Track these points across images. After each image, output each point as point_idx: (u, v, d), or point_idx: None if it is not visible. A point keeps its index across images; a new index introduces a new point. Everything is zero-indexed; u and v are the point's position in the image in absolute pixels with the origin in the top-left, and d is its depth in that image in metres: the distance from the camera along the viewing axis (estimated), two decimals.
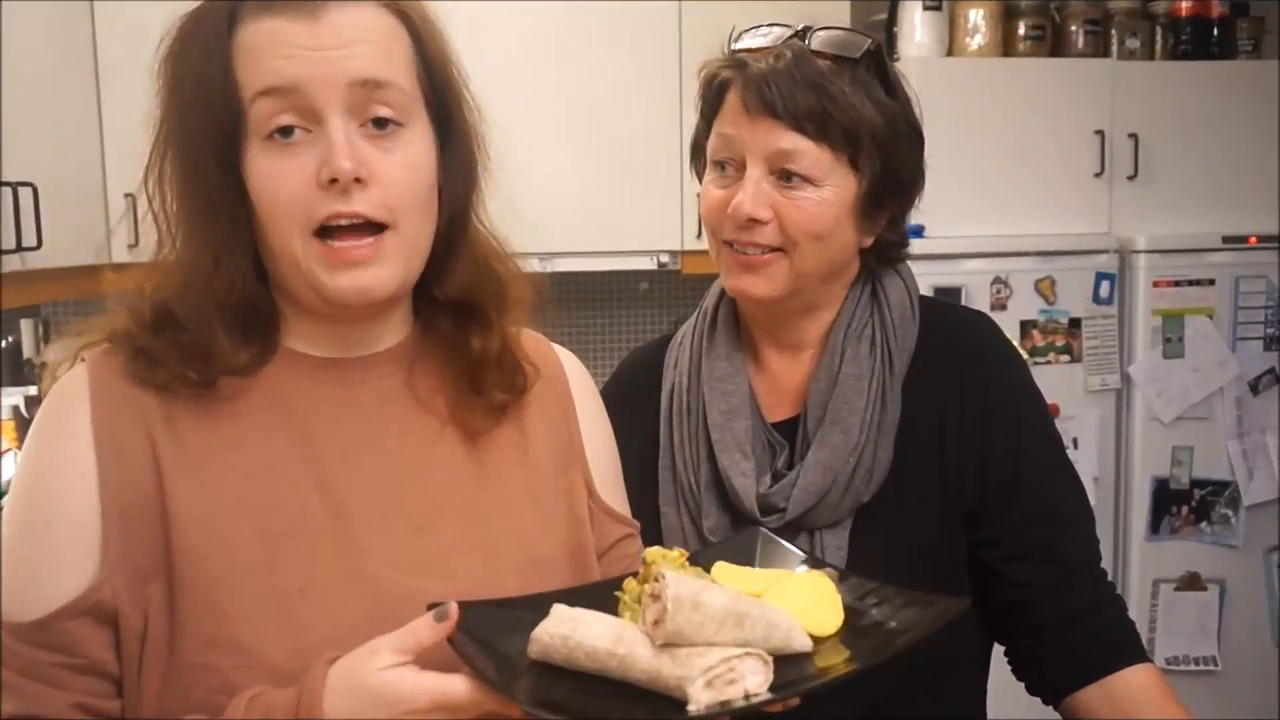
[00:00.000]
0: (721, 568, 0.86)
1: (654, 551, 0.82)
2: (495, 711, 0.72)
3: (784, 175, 1.07)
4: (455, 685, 0.72)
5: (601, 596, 0.81)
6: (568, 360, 1.01)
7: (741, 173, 1.08)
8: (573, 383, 1.00)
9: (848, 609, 0.83)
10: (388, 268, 0.82)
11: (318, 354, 0.88)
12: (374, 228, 0.81)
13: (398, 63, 0.83)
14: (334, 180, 0.78)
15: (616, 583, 0.83)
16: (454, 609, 0.74)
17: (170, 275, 0.85)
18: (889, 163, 1.09)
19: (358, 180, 0.79)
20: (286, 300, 0.87)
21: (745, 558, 0.90)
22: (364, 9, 0.82)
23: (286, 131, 0.79)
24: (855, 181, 1.09)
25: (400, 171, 0.82)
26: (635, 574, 0.82)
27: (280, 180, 0.79)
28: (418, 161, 0.84)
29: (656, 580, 0.74)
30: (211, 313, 0.83)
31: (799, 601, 0.81)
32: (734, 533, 1.10)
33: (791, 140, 1.06)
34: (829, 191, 1.07)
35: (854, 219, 1.10)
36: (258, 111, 0.79)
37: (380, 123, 0.81)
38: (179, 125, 0.82)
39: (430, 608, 0.76)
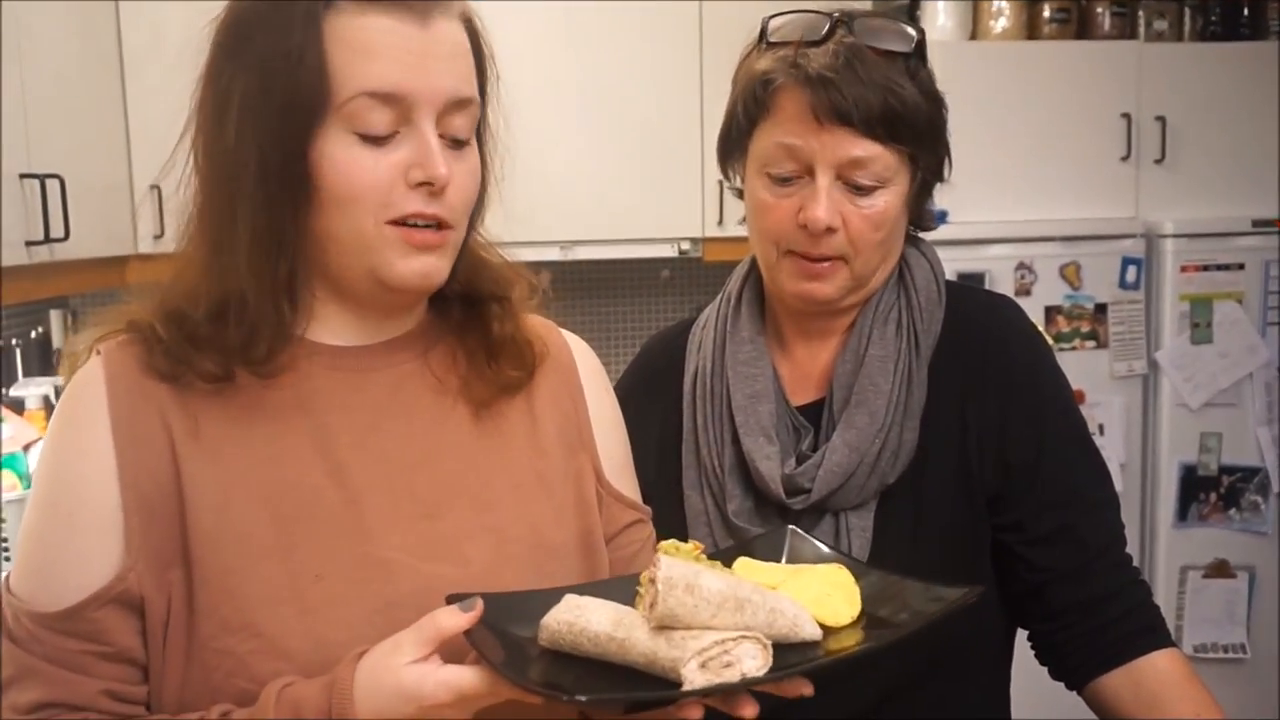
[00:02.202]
0: (744, 563, 0.87)
1: (668, 544, 0.82)
2: (513, 698, 0.73)
3: (853, 181, 1.04)
4: (472, 678, 0.73)
5: (623, 591, 0.81)
6: (576, 345, 1.02)
7: (803, 179, 1.06)
8: (581, 367, 1.00)
9: (865, 600, 0.83)
10: (445, 259, 0.86)
11: (333, 342, 0.89)
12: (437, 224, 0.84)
13: (473, 79, 0.86)
14: (424, 183, 0.81)
15: (637, 578, 0.83)
16: (479, 603, 0.75)
17: (210, 254, 0.83)
18: (939, 152, 1.10)
19: None
20: (321, 286, 0.87)
21: (772, 556, 0.91)
22: (455, 20, 0.84)
23: (374, 132, 0.80)
24: (911, 174, 1.08)
25: (468, 179, 0.85)
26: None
27: (368, 173, 0.80)
28: (478, 170, 0.87)
29: (654, 564, 0.74)
30: (265, 288, 0.82)
31: (812, 591, 0.81)
32: (758, 515, 1.10)
33: (864, 147, 1.03)
34: (891, 192, 1.06)
35: (907, 211, 1.10)
36: (356, 106, 0.79)
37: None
38: (250, 93, 0.80)
39: (450, 599, 0.76)
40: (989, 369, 1.11)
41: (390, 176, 0.81)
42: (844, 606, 0.81)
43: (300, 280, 0.85)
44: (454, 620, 0.74)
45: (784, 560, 0.91)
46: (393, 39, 0.80)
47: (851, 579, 0.84)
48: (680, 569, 0.73)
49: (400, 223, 0.82)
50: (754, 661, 0.72)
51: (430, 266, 0.84)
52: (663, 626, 0.72)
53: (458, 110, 0.83)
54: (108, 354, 0.85)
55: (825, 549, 0.93)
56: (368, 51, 0.79)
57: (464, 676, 0.73)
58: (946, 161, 1.13)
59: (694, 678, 0.70)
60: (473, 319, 0.93)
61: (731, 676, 0.71)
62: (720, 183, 1.19)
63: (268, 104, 0.79)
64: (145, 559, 0.80)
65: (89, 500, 0.81)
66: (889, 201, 1.06)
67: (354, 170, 0.80)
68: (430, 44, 0.81)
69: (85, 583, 0.80)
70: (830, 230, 1.05)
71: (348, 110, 0.79)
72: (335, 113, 0.79)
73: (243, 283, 0.82)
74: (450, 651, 0.75)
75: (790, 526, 0.96)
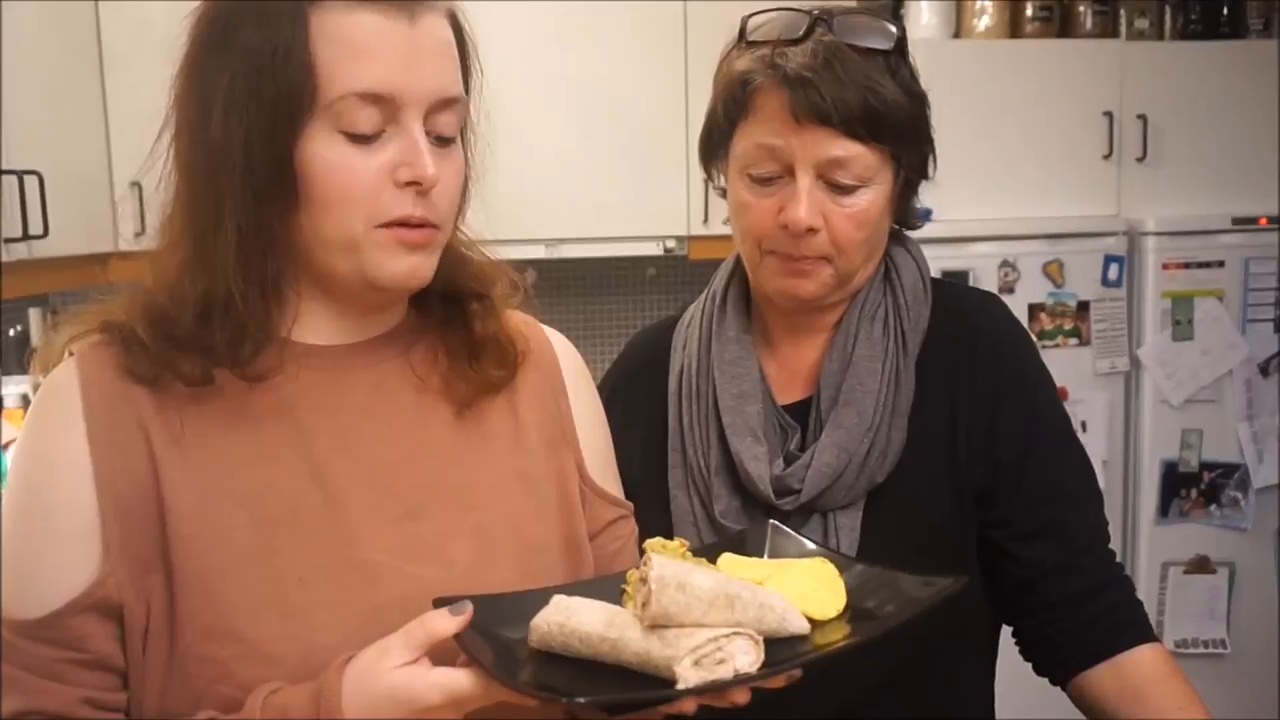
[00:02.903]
0: (728, 559, 0.87)
1: (654, 542, 0.82)
2: (504, 700, 0.73)
3: (834, 180, 1.04)
4: (464, 680, 0.72)
5: (609, 590, 0.82)
6: (558, 341, 1.01)
7: (783, 179, 1.05)
8: (563, 364, 0.99)
9: (851, 593, 0.84)
10: (432, 257, 0.85)
11: (313, 341, 0.87)
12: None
13: (459, 77, 0.85)
14: (413, 183, 0.80)
15: (622, 577, 0.84)
16: (469, 607, 0.74)
17: (194, 254, 0.81)
18: (922, 149, 1.09)
19: None
20: (306, 285, 0.85)
21: (755, 551, 0.91)
22: (441, 16, 0.83)
23: (361, 132, 0.79)
24: (893, 174, 1.08)
25: (454, 179, 0.85)
26: (639, 566, 0.83)
27: (355, 174, 0.79)
28: (463, 169, 0.86)
29: (645, 564, 0.75)
30: (253, 288, 0.81)
31: (797, 586, 0.82)
32: (745, 515, 1.10)
33: (843, 147, 1.03)
34: (874, 191, 1.06)
35: (890, 209, 1.10)
36: (344, 106, 0.78)
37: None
38: (235, 90, 0.78)
39: (437, 603, 0.76)
40: (978, 366, 1.11)
41: (378, 177, 0.79)
42: (830, 600, 0.82)
43: (286, 280, 0.84)
44: (444, 624, 0.74)
45: (766, 555, 0.91)
46: (380, 38, 0.78)
47: (835, 573, 0.85)
48: (672, 568, 0.74)
49: (388, 225, 0.81)
50: (746, 657, 0.72)
51: (418, 265, 0.83)
52: (655, 626, 0.73)
53: (445, 109, 0.82)
54: (82, 356, 0.83)
55: (808, 543, 0.93)
56: (355, 50, 0.78)
57: (456, 678, 0.72)
58: (931, 159, 1.12)
59: (688, 675, 0.70)
60: (454, 317, 0.93)
61: (725, 673, 0.71)
62: (705, 181, 1.19)
63: (254, 101, 0.78)
64: (123, 565, 0.79)
65: (64, 506, 0.80)
66: (871, 200, 1.06)
67: (341, 171, 0.79)
68: (418, 42, 0.80)
69: (62, 590, 0.78)
70: (812, 230, 1.04)
71: (335, 110, 0.78)
72: (322, 112, 0.78)
73: (230, 283, 0.80)
74: (438, 655, 0.74)
75: (772, 521, 0.96)
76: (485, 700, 0.73)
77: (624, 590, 0.82)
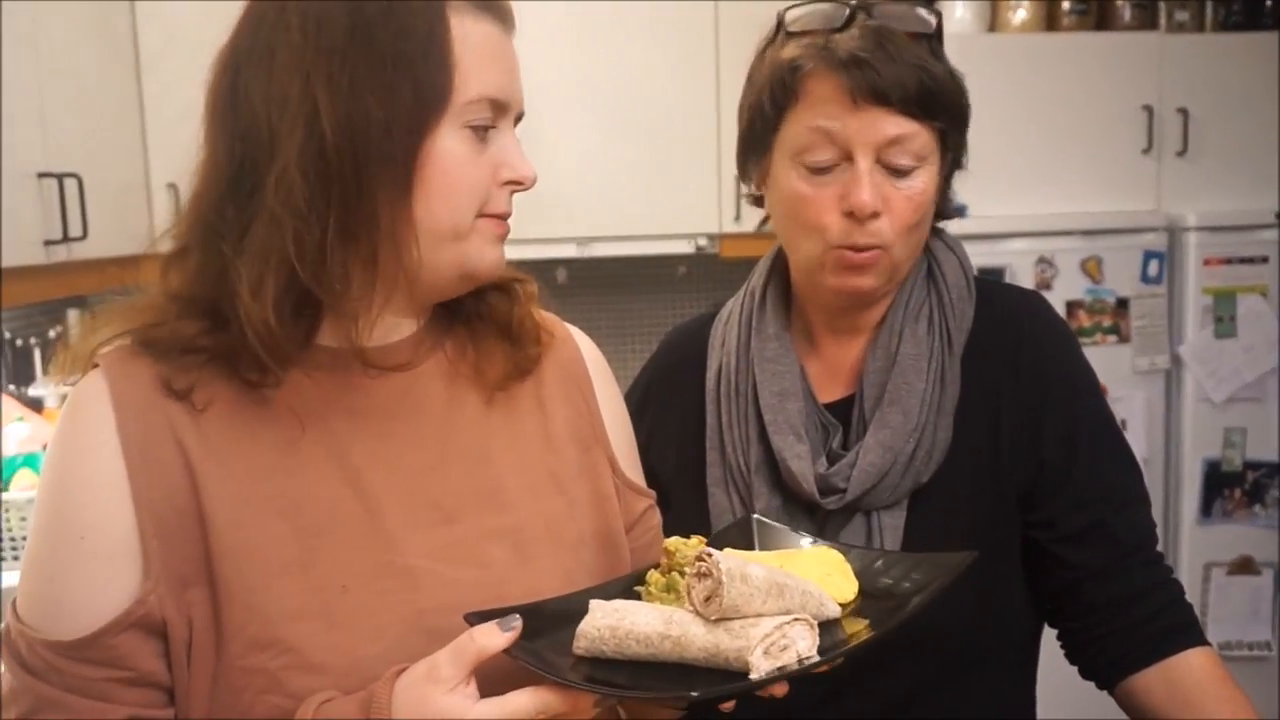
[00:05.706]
0: (729, 554, 0.87)
1: (675, 541, 0.83)
2: (560, 715, 0.72)
3: (892, 163, 1.03)
4: (519, 702, 0.72)
5: (619, 591, 0.82)
6: (581, 339, 1.02)
7: (840, 166, 1.04)
8: (588, 361, 1.00)
9: (859, 576, 0.86)
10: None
11: (338, 345, 0.86)
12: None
13: None
14: (513, 182, 0.86)
15: (635, 578, 0.85)
16: (518, 621, 0.74)
17: (269, 238, 0.79)
18: (965, 132, 1.09)
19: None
20: (382, 284, 0.83)
21: (745, 544, 0.92)
22: None
23: (481, 131, 0.84)
24: (941, 159, 1.07)
25: None
26: (656, 566, 0.84)
27: (475, 169, 0.83)
28: None
29: (702, 559, 0.76)
30: (351, 272, 0.80)
31: (813, 573, 0.84)
32: (786, 514, 1.09)
33: (900, 125, 1.02)
34: (927, 173, 1.05)
35: (937, 198, 1.09)
36: (474, 107, 0.83)
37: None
38: (362, 83, 0.78)
39: (469, 618, 0.75)
40: (1022, 366, 1.09)
41: (491, 174, 0.84)
42: (845, 584, 0.85)
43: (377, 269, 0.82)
44: (494, 640, 0.73)
45: (757, 548, 0.92)
46: (502, 47, 0.85)
47: (842, 558, 0.87)
48: (733, 561, 0.75)
49: (488, 215, 0.85)
50: (805, 642, 0.75)
51: (502, 256, 0.88)
52: (721, 619, 0.74)
53: (518, 120, 0.89)
54: (110, 368, 0.82)
55: (793, 533, 0.94)
56: (487, 57, 0.83)
57: (508, 705, 0.72)
58: (965, 147, 1.12)
59: (760, 664, 0.72)
60: (477, 311, 0.94)
61: (789, 658, 0.74)
62: (736, 179, 1.18)
63: (389, 95, 0.78)
64: (165, 581, 0.78)
65: (101, 524, 0.78)
66: (926, 183, 1.05)
67: (465, 165, 0.83)
68: (514, 55, 0.87)
69: (101, 609, 0.78)
70: (874, 215, 1.03)
71: (466, 109, 0.82)
72: (455, 110, 0.81)
73: (327, 265, 0.79)
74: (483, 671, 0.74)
75: (755, 516, 0.97)
76: (540, 714, 0.72)
77: (641, 590, 0.83)
